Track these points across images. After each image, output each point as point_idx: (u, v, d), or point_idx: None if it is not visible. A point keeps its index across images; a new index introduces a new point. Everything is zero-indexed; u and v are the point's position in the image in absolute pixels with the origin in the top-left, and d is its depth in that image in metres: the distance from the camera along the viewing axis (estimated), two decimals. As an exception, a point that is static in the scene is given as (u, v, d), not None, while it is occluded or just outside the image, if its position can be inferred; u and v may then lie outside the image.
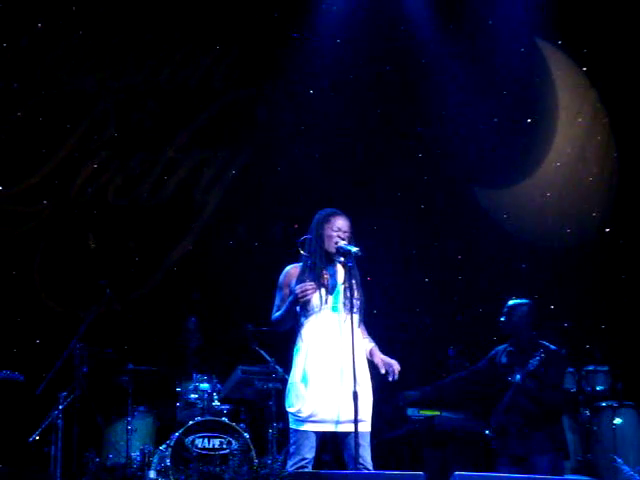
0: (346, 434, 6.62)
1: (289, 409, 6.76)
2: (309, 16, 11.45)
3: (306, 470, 6.55)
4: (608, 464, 9.21)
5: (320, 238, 6.89)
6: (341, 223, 6.90)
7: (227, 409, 9.67)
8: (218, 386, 9.83)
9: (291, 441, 6.74)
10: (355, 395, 6.48)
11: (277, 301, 6.91)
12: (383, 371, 6.76)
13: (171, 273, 11.49)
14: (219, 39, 11.66)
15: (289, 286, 6.82)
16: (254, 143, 11.68)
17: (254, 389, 9.89)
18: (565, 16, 11.12)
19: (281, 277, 6.93)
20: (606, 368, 10.33)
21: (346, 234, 6.88)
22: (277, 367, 9.63)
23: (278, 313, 6.84)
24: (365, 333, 6.97)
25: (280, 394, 9.47)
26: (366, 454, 6.67)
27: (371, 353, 6.88)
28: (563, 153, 11.65)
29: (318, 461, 6.84)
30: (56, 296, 11.22)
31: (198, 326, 10.22)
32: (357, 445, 6.50)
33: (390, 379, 6.77)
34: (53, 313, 11.14)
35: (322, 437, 6.76)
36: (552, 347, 8.58)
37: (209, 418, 9.41)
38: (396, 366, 6.77)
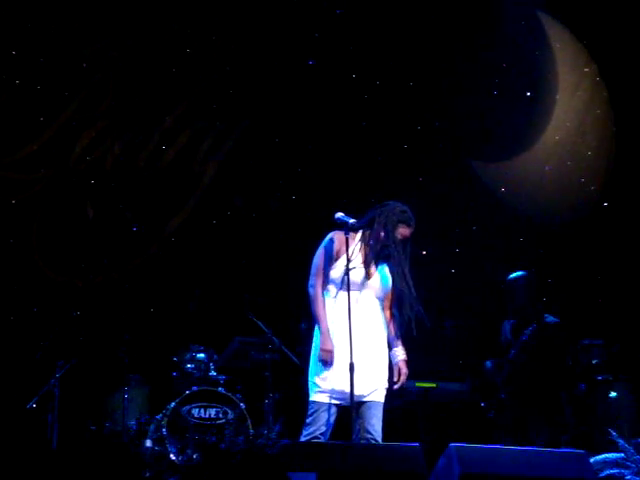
0: (359, 404, 6.69)
1: (310, 380, 6.83)
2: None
3: (318, 441, 6.61)
4: (603, 437, 9.25)
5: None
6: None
7: (224, 379, 9.70)
8: (215, 356, 9.85)
9: (309, 412, 6.80)
10: (351, 367, 6.56)
11: (317, 260, 6.85)
12: (396, 378, 6.87)
13: (169, 243, 11.48)
14: (219, 8, 11.60)
15: (338, 253, 6.78)
16: (252, 114, 11.65)
17: (251, 359, 9.92)
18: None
19: (328, 241, 6.86)
20: (602, 342, 10.36)
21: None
22: (274, 338, 9.64)
23: (313, 305, 6.80)
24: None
25: (276, 365, 9.51)
26: (377, 423, 6.80)
27: (390, 345, 6.94)
28: (562, 127, 11.63)
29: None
30: (54, 264, 11.20)
31: (200, 296, 10.27)
32: (356, 416, 6.63)
33: (394, 387, 6.89)
34: (51, 281, 11.13)
35: (341, 410, 6.80)
36: (550, 319, 8.58)
37: (205, 388, 9.45)
38: (403, 377, 6.88)
